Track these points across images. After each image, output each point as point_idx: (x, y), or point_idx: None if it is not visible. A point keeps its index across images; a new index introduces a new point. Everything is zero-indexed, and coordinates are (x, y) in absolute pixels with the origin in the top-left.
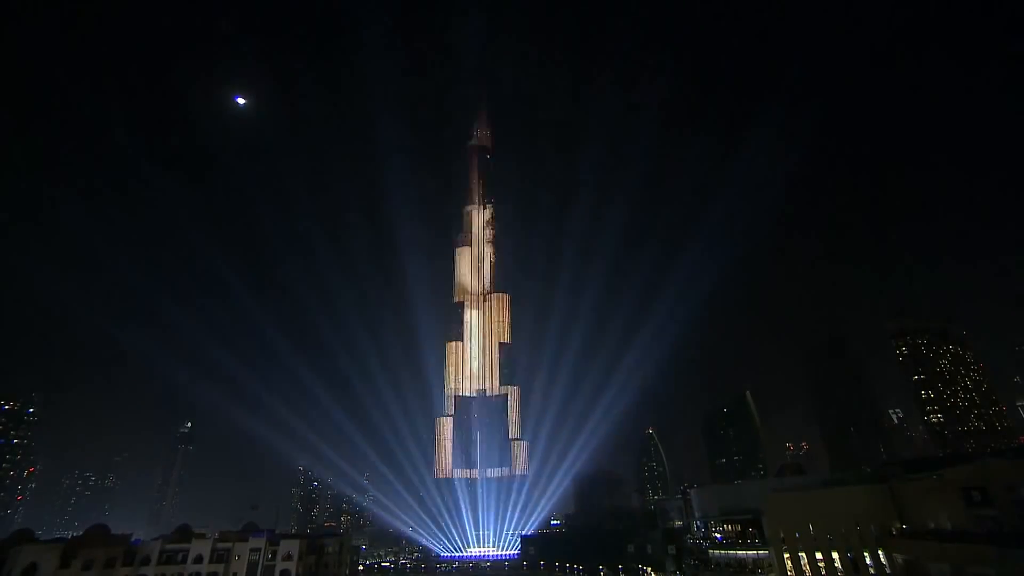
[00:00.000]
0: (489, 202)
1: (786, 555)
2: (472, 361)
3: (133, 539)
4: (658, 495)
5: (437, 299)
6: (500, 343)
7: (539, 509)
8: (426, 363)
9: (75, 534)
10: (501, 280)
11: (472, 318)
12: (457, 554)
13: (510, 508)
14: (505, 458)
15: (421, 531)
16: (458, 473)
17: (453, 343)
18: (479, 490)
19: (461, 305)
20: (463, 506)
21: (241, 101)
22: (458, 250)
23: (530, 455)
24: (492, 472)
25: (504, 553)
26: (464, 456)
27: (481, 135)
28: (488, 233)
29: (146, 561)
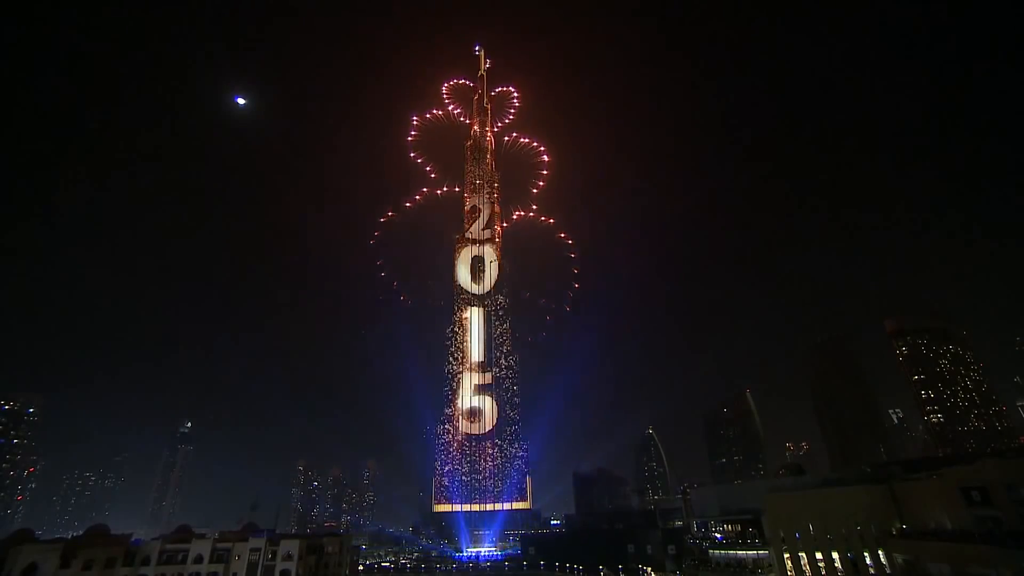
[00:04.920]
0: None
1: (786, 555)
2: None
3: (133, 539)
4: (658, 495)
5: (439, 295)
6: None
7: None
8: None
9: (75, 534)
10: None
11: (472, 315)
12: (457, 554)
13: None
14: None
15: (421, 531)
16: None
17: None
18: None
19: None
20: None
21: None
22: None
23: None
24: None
25: (502, 553)
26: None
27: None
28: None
29: (146, 561)
